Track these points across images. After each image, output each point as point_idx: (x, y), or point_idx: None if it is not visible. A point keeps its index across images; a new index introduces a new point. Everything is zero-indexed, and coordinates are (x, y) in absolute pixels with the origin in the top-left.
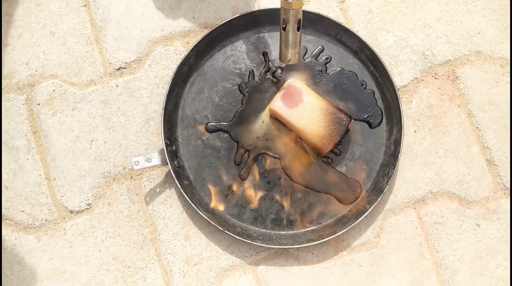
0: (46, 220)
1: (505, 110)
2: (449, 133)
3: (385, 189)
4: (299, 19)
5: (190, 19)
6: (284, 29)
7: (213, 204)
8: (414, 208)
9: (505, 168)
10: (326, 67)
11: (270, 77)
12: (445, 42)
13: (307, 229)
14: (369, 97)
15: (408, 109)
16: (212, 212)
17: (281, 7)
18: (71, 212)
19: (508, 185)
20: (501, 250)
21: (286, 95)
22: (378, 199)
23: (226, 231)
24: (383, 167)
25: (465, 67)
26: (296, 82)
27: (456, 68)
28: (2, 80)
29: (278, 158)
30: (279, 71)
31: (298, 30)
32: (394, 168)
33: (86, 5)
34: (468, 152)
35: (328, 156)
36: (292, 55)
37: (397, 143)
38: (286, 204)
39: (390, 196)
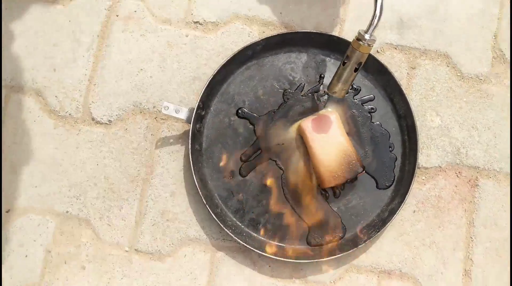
0: (70, 114)
1: (505, 238)
2: (443, 229)
3: (361, 246)
4: (361, 62)
5: (277, 14)
6: (344, 64)
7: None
8: (378, 276)
9: None
10: (369, 115)
11: (315, 97)
12: (482, 150)
13: (276, 243)
14: (390, 161)
15: (418, 189)
16: (204, 183)
17: (351, 44)
18: (93, 119)
19: None
20: None
21: (316, 120)
22: (350, 251)
23: (207, 206)
24: (369, 226)
25: (489, 180)
26: (333, 113)
27: (480, 177)
28: None
29: (283, 170)
30: (325, 97)
31: (355, 71)
32: (378, 231)
33: None
34: (451, 254)
35: (327, 191)
36: (339, 90)
37: (392, 213)
38: (269, 212)
39: (362, 254)
